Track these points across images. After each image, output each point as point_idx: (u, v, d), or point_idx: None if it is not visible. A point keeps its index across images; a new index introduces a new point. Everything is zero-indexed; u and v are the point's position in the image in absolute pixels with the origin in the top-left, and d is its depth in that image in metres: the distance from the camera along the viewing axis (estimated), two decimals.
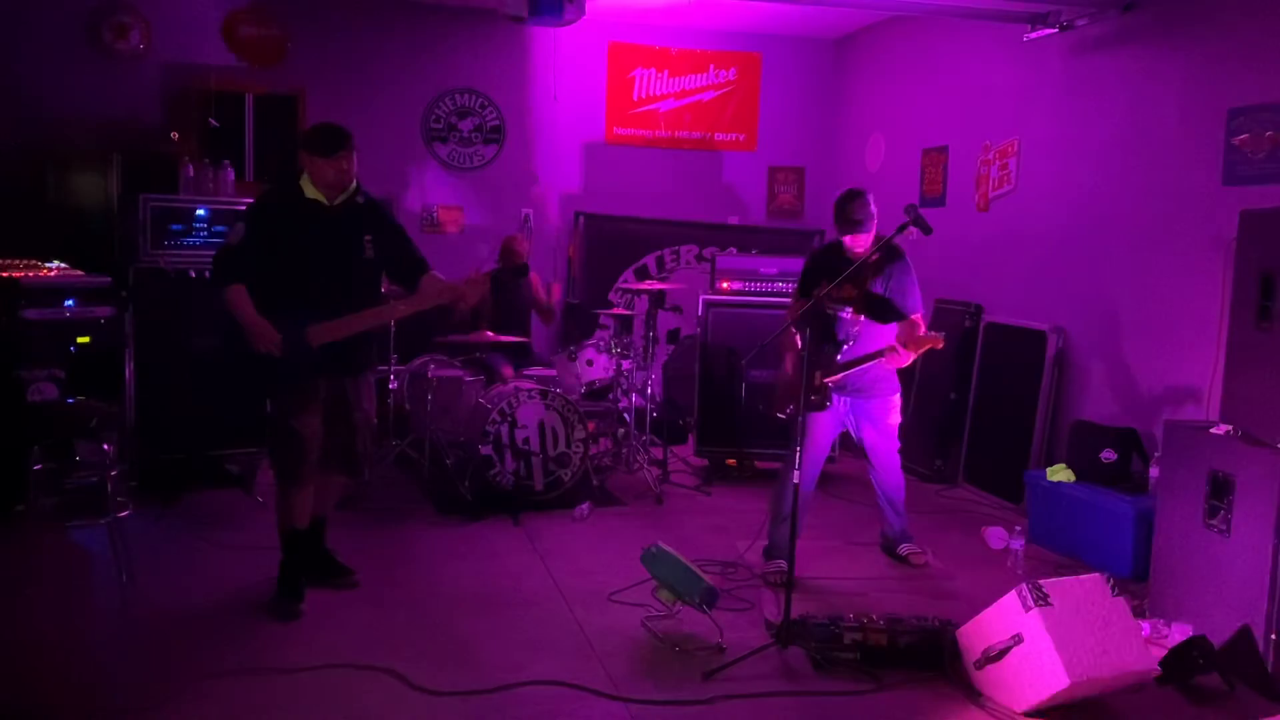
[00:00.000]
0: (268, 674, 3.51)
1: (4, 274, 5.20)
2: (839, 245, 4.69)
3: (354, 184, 4.08)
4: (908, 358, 4.40)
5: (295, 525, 4.14)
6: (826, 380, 4.54)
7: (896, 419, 4.79)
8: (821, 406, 4.56)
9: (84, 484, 4.77)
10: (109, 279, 5.48)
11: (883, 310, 4.58)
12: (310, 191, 4.03)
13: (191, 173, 6.21)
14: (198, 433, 5.61)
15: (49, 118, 6.76)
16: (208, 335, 5.32)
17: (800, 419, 4.11)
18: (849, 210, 4.54)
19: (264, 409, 4.20)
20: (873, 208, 4.54)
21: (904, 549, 4.90)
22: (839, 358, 4.59)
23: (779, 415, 4.74)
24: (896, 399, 4.77)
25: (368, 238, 4.12)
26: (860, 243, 4.57)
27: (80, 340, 5.23)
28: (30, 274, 5.27)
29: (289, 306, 3.97)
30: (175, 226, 5.67)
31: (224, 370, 4.40)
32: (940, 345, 4.43)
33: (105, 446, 4.47)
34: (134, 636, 3.83)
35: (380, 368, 6.23)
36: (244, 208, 4.37)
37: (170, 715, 3.23)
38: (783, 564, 4.53)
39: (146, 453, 5.61)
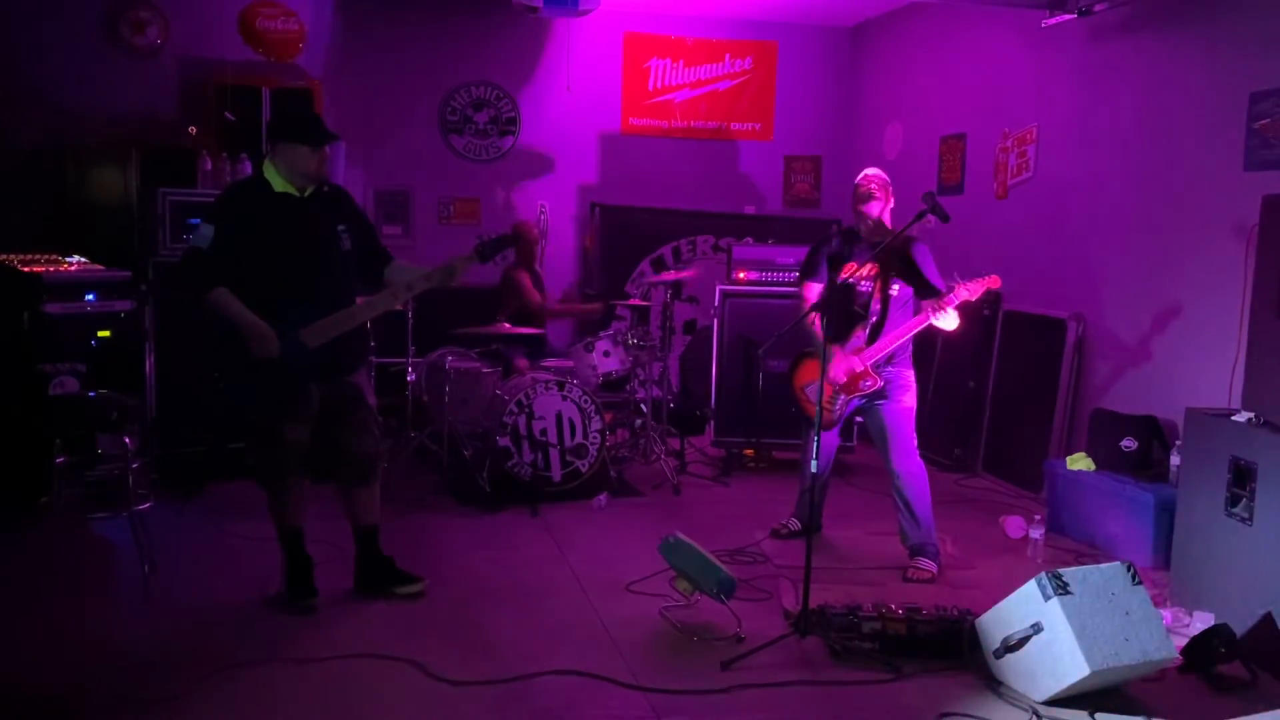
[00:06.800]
0: (289, 664, 3.54)
1: (25, 269, 5.24)
2: (852, 232, 4.70)
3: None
4: (954, 313, 4.39)
5: (291, 525, 4.07)
6: (867, 364, 4.51)
7: (912, 400, 4.63)
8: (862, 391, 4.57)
9: (106, 477, 4.81)
10: (129, 273, 5.52)
11: (919, 282, 4.54)
12: (280, 184, 3.88)
13: (209, 166, 6.24)
14: (218, 425, 5.64)
15: (68, 114, 6.80)
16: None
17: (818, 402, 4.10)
18: (858, 185, 4.64)
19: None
20: (884, 181, 4.60)
21: (916, 562, 4.56)
22: (865, 334, 4.54)
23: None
24: (911, 375, 4.64)
25: (342, 228, 3.98)
26: (873, 209, 4.56)
27: (101, 334, 5.27)
28: (51, 269, 5.32)
29: (272, 308, 3.80)
30: (194, 220, 5.64)
31: (219, 376, 4.09)
32: (998, 284, 4.44)
33: (126, 439, 4.50)
34: (156, 627, 3.85)
35: (398, 360, 6.26)
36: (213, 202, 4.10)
37: (193, 705, 3.26)
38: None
39: (167, 445, 5.65)
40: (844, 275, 4.56)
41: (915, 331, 4.51)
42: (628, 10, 8.11)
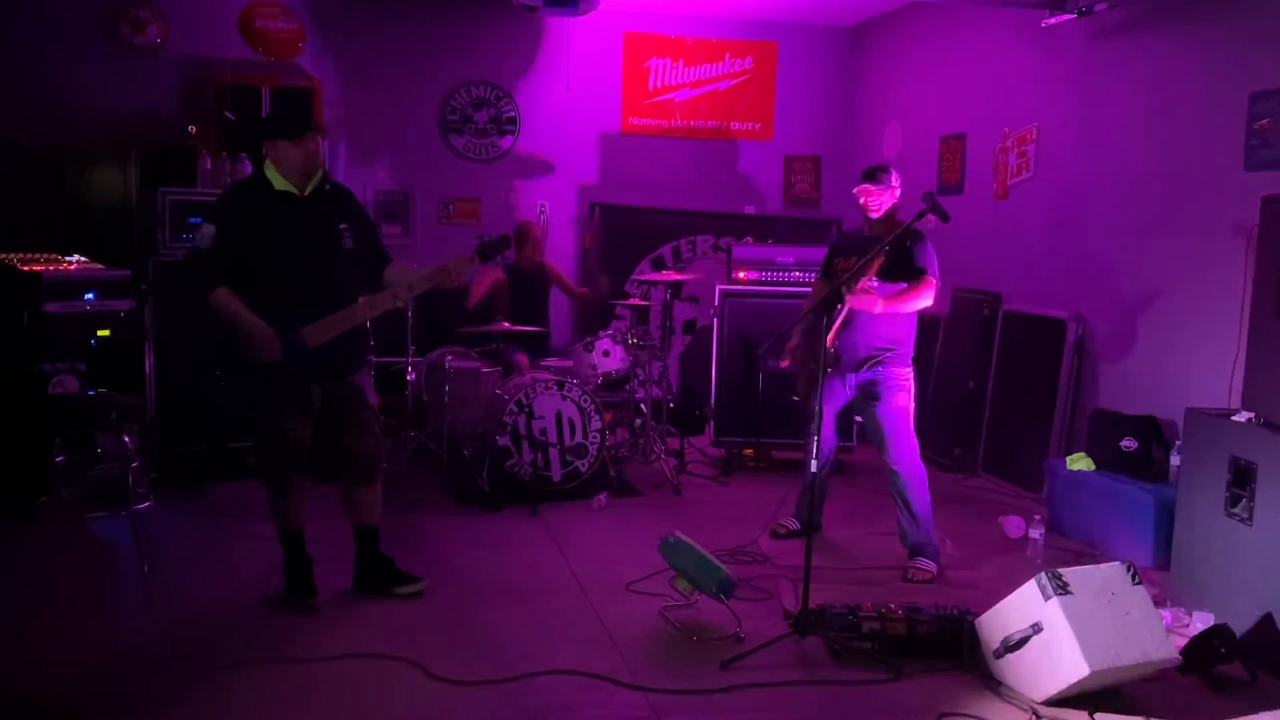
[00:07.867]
0: (288, 664, 3.53)
1: (25, 268, 5.24)
2: (857, 230, 4.71)
3: (322, 170, 3.97)
4: (866, 300, 4.32)
5: (291, 524, 4.07)
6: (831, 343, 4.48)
7: (907, 400, 4.59)
8: (833, 364, 4.55)
9: (105, 476, 4.81)
10: (128, 272, 5.52)
11: (901, 268, 4.48)
12: (280, 183, 3.86)
13: (209, 166, 6.25)
14: (218, 424, 5.64)
15: (68, 113, 6.79)
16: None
17: (817, 402, 4.11)
18: (868, 170, 4.69)
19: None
20: (892, 177, 4.62)
21: (915, 562, 4.56)
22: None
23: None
24: (906, 374, 4.59)
25: (344, 226, 3.95)
26: (872, 196, 4.58)
27: (101, 333, 5.26)
28: (51, 268, 5.31)
29: (273, 308, 3.80)
30: (193, 220, 5.66)
31: (220, 375, 4.06)
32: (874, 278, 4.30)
33: (126, 439, 4.49)
34: (156, 627, 3.85)
35: (398, 359, 6.26)
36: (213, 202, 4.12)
37: (193, 705, 3.26)
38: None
39: (167, 445, 5.65)
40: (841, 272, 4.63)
41: (842, 315, 4.38)
42: (627, 10, 8.11)
